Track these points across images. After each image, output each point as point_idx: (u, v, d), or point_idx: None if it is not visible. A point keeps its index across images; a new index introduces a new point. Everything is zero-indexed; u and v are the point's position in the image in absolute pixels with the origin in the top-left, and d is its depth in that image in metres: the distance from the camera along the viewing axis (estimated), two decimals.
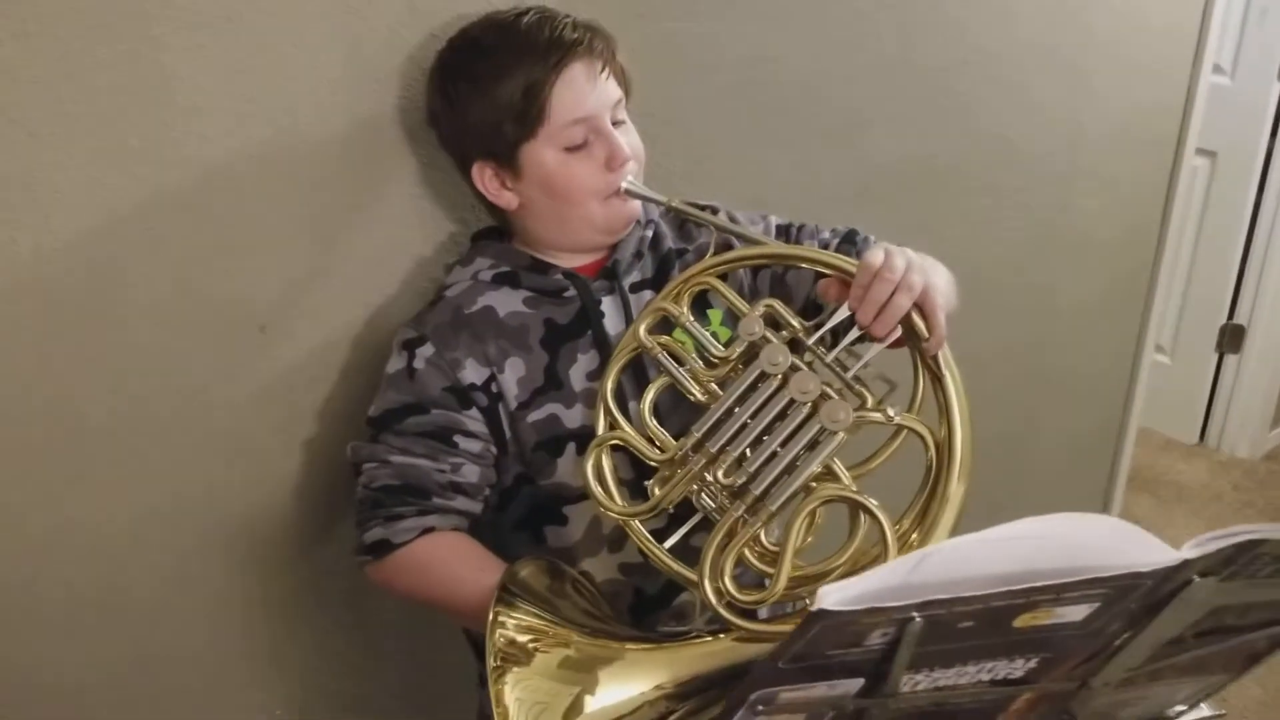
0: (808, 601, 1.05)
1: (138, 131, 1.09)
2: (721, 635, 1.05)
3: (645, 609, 1.24)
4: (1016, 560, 0.72)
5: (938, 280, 1.09)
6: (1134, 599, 0.78)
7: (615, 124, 1.18)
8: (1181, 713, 0.99)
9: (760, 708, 0.74)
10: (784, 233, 1.29)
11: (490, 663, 0.99)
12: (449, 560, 1.15)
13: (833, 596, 0.67)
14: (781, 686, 0.74)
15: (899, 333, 1.07)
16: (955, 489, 1.05)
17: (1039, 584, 0.71)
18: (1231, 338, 3.26)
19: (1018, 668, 0.81)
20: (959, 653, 0.77)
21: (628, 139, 1.19)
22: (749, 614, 1.05)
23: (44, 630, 1.19)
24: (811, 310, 1.19)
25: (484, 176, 1.20)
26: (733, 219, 1.26)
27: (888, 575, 0.69)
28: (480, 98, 1.15)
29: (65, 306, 1.11)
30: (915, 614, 0.70)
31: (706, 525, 1.09)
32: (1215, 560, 0.76)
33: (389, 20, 1.21)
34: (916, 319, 1.06)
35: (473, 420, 1.17)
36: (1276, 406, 3.35)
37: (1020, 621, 0.75)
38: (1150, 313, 2.50)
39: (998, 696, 0.83)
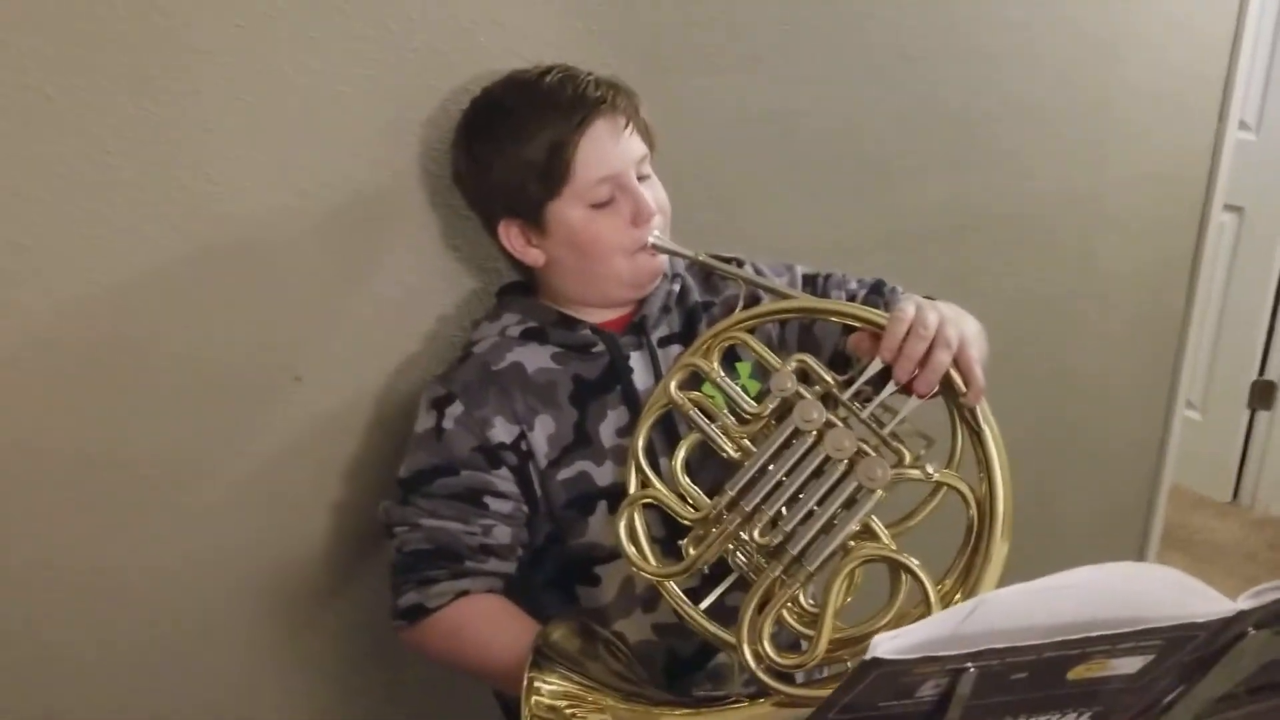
0: (848, 665, 1.07)
1: (177, 185, 1.14)
2: (761, 700, 1.06)
3: (679, 671, 1.26)
4: (1070, 610, 0.74)
5: (969, 331, 1.12)
6: (1188, 651, 0.79)
7: (640, 179, 1.22)
8: None
9: None
10: (810, 283, 1.32)
11: None
12: (482, 624, 1.17)
13: (886, 645, 0.68)
14: None
15: (936, 387, 1.09)
16: (998, 547, 1.07)
17: (1094, 634, 0.73)
18: (1263, 394, 3.29)
19: None
20: (1011, 705, 0.78)
21: (653, 193, 1.22)
22: (787, 678, 1.06)
23: (77, 676, 1.22)
24: (839, 362, 1.21)
25: (510, 234, 1.23)
26: (758, 271, 1.29)
27: (941, 624, 0.71)
28: (504, 157, 1.19)
29: (104, 355, 1.15)
30: (969, 664, 0.71)
31: (742, 584, 1.10)
32: (1270, 612, 0.78)
33: (424, 76, 1.27)
34: (953, 373, 1.08)
35: (503, 480, 1.20)
36: None
37: (1074, 673, 0.77)
38: (1181, 368, 2.53)
39: None
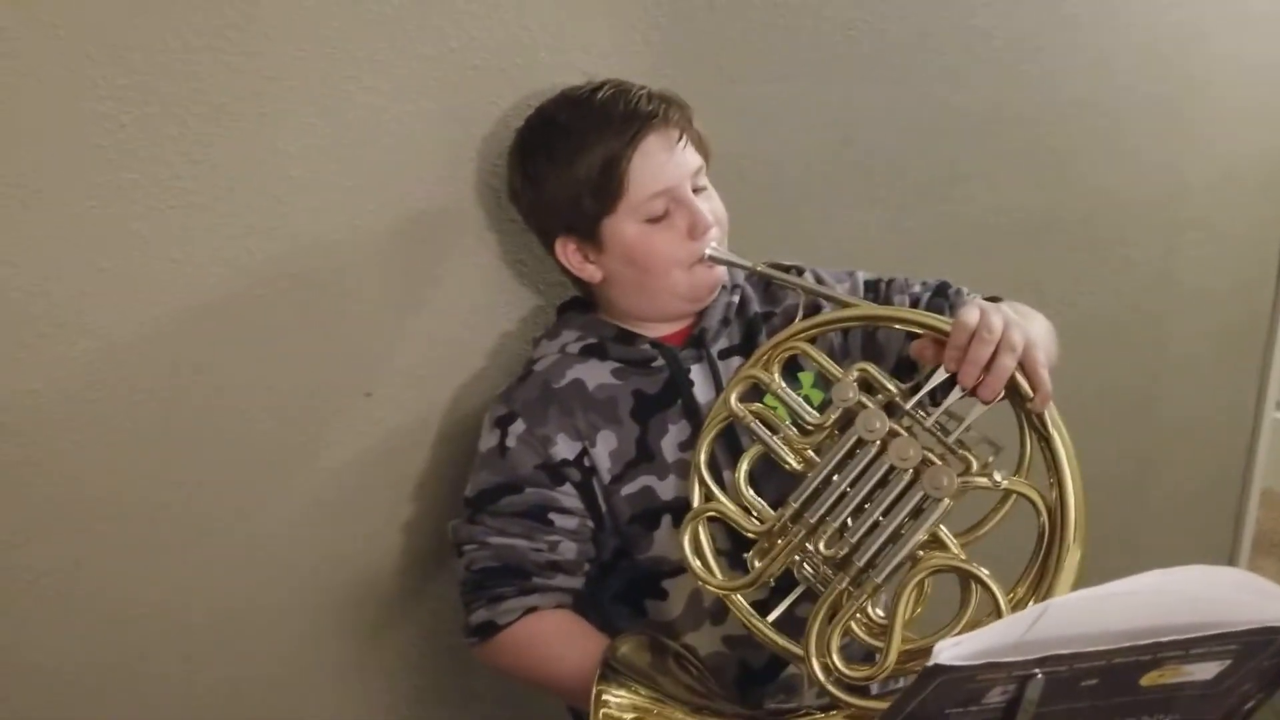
0: None
1: (248, 207, 1.19)
2: (832, 712, 1.07)
3: (752, 682, 1.26)
4: (1141, 615, 0.74)
5: (1037, 333, 1.11)
6: (1267, 656, 0.79)
7: (696, 191, 1.23)
8: None
9: None
10: (873, 288, 1.32)
11: None
12: (552, 639, 1.20)
13: (949, 652, 0.69)
14: None
15: (1001, 393, 1.09)
16: (1070, 554, 1.06)
17: (1165, 639, 0.73)
18: None
19: None
20: (1084, 713, 0.78)
21: (709, 205, 1.23)
22: (859, 689, 1.06)
23: (162, 695, 1.28)
24: (905, 368, 1.21)
25: (567, 251, 1.26)
26: (819, 278, 1.30)
27: (1006, 630, 0.72)
28: (559, 174, 1.21)
29: (180, 375, 1.21)
30: (1036, 670, 0.72)
31: (811, 595, 1.11)
32: None
33: (486, 94, 1.31)
34: (1020, 378, 1.07)
35: (567, 496, 1.22)
36: None
37: (1147, 680, 0.77)
38: (1271, 367, 2.48)
39: None
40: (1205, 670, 0.77)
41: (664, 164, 1.20)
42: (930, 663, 0.69)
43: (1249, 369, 2.47)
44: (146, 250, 1.15)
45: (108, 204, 1.12)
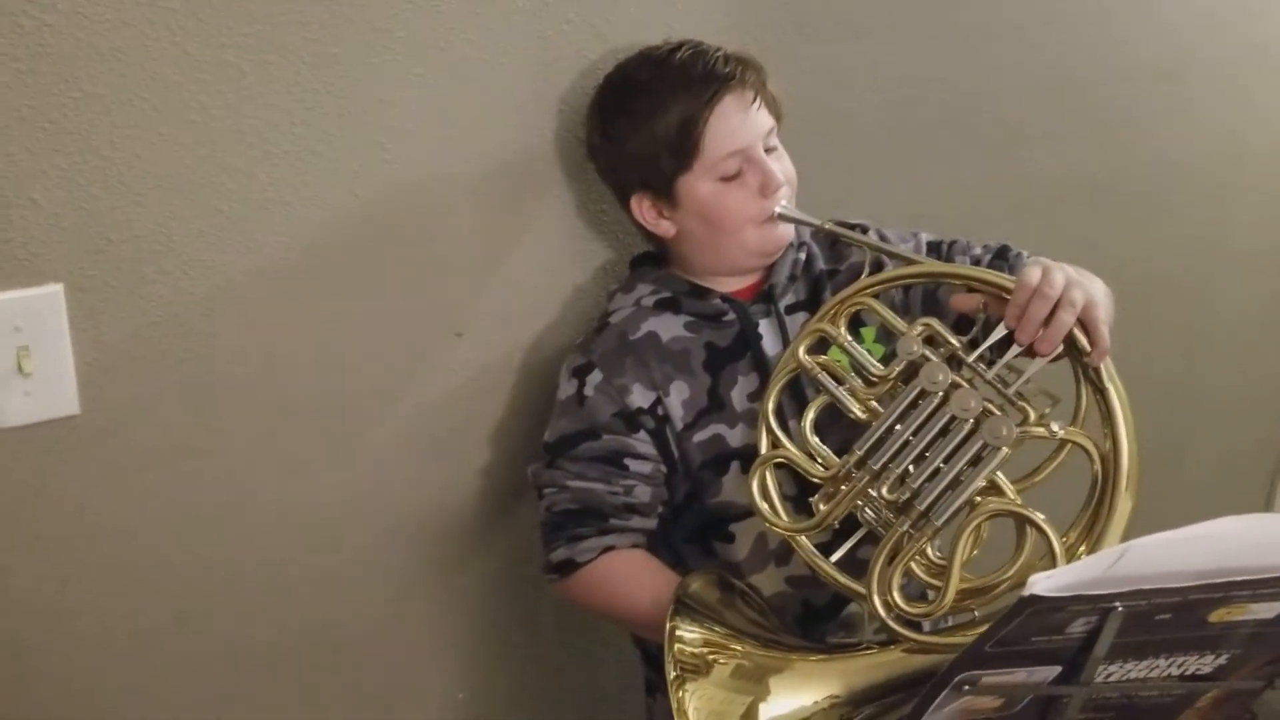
0: (974, 614, 1.12)
1: (356, 153, 1.23)
2: (891, 647, 1.12)
3: (813, 620, 1.31)
4: (1215, 557, 0.79)
5: (1097, 292, 1.15)
6: None
7: (768, 151, 1.27)
8: None
9: (966, 687, 0.82)
10: (935, 249, 1.35)
11: (670, 673, 1.07)
12: (628, 576, 1.25)
13: (1043, 584, 0.74)
14: (985, 670, 0.82)
15: (1060, 348, 1.13)
16: (1123, 502, 1.11)
17: (1238, 579, 0.78)
18: None
19: (1207, 663, 0.87)
20: (1153, 645, 0.84)
21: (780, 165, 1.27)
22: (916, 625, 1.12)
23: (250, 598, 1.33)
24: (964, 326, 1.25)
25: (642, 207, 1.29)
26: (882, 237, 1.33)
27: (1092, 566, 0.76)
28: (637, 133, 1.25)
29: (287, 311, 1.25)
30: (1119, 604, 0.76)
31: (872, 538, 1.16)
32: None
33: (577, 47, 1.34)
34: (1079, 334, 1.12)
35: (641, 443, 1.27)
36: None
37: (1215, 616, 0.82)
38: None
39: (1185, 692, 0.89)
40: (1269, 610, 0.82)
41: (739, 125, 1.24)
42: (1025, 593, 0.74)
43: None
44: (261, 193, 1.19)
45: (228, 148, 1.16)
